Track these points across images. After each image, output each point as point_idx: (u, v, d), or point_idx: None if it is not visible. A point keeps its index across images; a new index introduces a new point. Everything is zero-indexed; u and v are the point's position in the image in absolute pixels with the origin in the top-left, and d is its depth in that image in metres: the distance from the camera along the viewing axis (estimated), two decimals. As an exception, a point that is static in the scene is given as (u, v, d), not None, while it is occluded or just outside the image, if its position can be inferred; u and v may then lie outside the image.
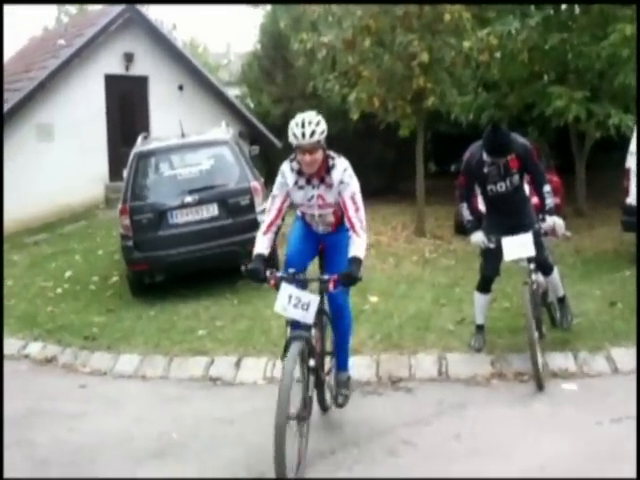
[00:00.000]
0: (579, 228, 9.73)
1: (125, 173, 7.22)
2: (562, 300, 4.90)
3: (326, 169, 3.67)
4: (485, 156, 4.43)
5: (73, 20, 17.80)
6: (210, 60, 23.59)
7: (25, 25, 36.74)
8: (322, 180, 3.69)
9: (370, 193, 14.87)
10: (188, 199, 6.72)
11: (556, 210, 10.80)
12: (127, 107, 13.28)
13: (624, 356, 4.54)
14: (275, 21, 15.24)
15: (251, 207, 6.85)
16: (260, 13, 16.80)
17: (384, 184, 15.03)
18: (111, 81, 12.95)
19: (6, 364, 5.50)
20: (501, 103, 11.49)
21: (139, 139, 7.83)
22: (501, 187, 4.53)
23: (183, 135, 7.47)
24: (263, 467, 3.46)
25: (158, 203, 6.80)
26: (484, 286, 4.74)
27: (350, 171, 3.69)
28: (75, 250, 9.19)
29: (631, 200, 7.16)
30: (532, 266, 4.47)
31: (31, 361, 5.53)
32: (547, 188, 4.49)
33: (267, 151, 13.43)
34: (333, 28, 10.33)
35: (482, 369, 4.54)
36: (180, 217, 6.75)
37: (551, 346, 4.68)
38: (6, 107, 11.49)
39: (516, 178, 4.50)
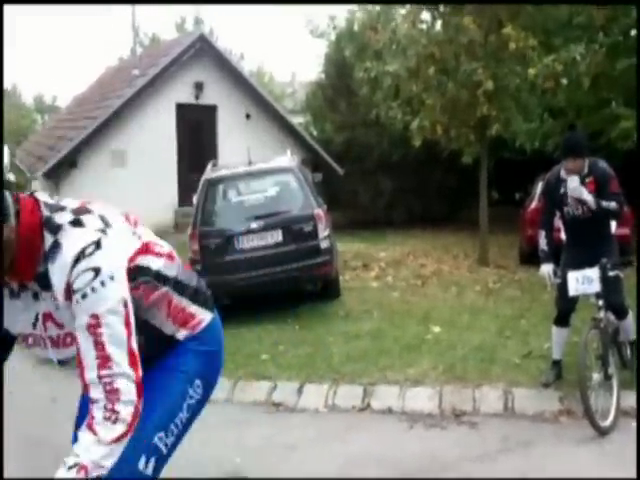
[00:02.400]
0: (651, 260, 9.38)
1: (195, 199, 7.49)
2: (634, 343, 4.72)
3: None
4: (563, 173, 4.33)
5: (147, 50, 18.69)
6: (275, 89, 24.21)
7: (102, 55, 38.83)
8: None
9: (431, 220, 14.99)
10: (254, 225, 6.90)
11: (624, 240, 10.51)
12: (196, 135, 13.80)
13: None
14: (339, 50, 15.58)
15: (314, 233, 6.97)
16: (324, 43, 17.19)
17: (445, 212, 14.98)
18: (182, 109, 13.51)
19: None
20: (567, 130, 11.29)
21: (209, 166, 8.11)
22: (578, 210, 4.33)
23: (250, 163, 7.70)
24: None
25: (226, 229, 7.01)
26: (561, 320, 4.61)
27: (97, 259, 1.67)
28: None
29: None
30: (600, 302, 4.27)
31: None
32: (613, 204, 4.23)
33: (329, 178, 13.64)
34: (398, 57, 10.47)
35: (550, 405, 4.42)
36: (246, 242, 6.93)
37: (622, 384, 4.52)
38: (84, 134, 12.21)
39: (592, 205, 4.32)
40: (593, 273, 4.20)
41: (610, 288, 4.30)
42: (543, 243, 4.47)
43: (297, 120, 15.97)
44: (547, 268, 4.40)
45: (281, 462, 3.97)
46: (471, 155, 10.40)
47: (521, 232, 10.00)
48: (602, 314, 4.26)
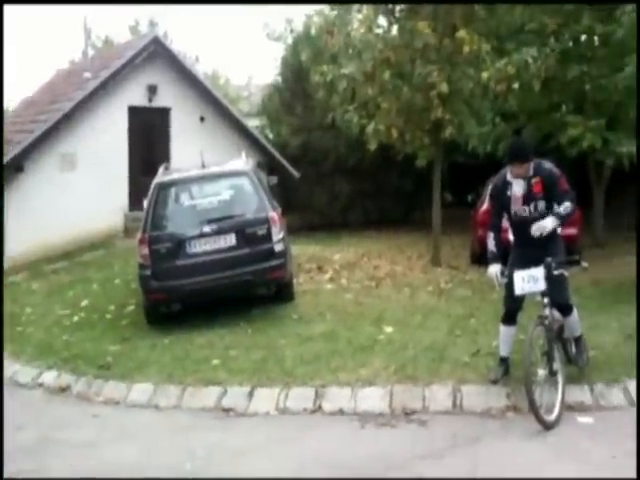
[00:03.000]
0: (596, 259, 9.59)
1: (145, 203, 7.33)
2: (578, 339, 4.78)
3: None
4: (509, 176, 4.40)
5: (99, 53, 18.31)
6: (231, 92, 24.02)
7: (52, 58, 37.87)
8: None
9: (387, 222, 15.06)
10: (206, 229, 6.80)
11: (572, 240, 10.69)
12: (149, 138, 13.56)
13: (642, 390, 4.46)
14: (296, 54, 15.56)
15: (268, 237, 6.91)
16: (281, 46, 17.17)
17: (401, 214, 15.12)
18: (134, 112, 13.25)
19: (20, 392, 5.59)
20: (519, 134, 11.51)
21: (160, 170, 7.97)
22: (524, 211, 4.43)
23: (203, 166, 7.59)
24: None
25: (177, 233, 6.89)
26: (508, 318, 4.68)
27: None
28: (93, 279, 9.31)
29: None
30: (545, 300, 4.35)
31: (45, 390, 5.58)
32: (567, 203, 4.32)
33: (285, 181, 13.59)
34: (353, 60, 10.51)
35: (497, 402, 4.48)
36: (198, 246, 6.82)
37: (567, 379, 4.61)
38: (32, 137, 11.83)
39: (541, 205, 4.40)
40: (538, 272, 4.27)
41: (555, 286, 4.37)
42: (491, 244, 4.52)
43: (253, 123, 15.85)
44: (494, 269, 4.46)
45: (231, 467, 3.91)
46: (425, 158, 10.48)
47: (472, 233, 10.14)
48: (547, 312, 4.33)
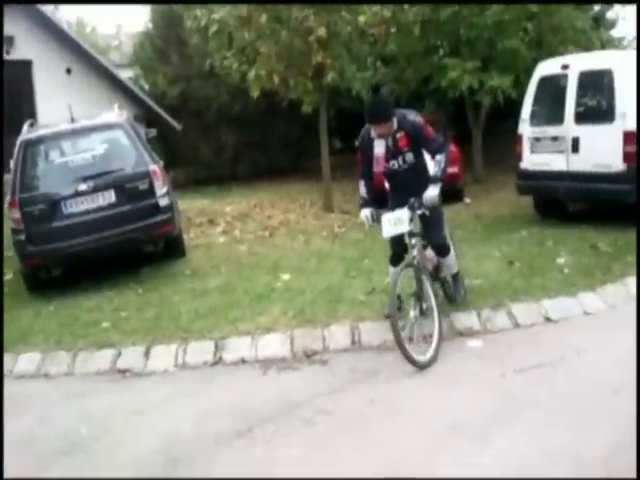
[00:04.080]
0: (478, 194, 10.16)
1: (12, 163, 6.75)
2: (455, 276, 4.82)
3: None
4: (373, 133, 4.32)
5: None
6: (100, 41, 22.49)
7: None
8: None
9: (277, 172, 15.00)
10: (82, 187, 6.37)
11: (454, 179, 11.14)
12: (10, 94, 12.40)
13: (524, 311, 4.77)
14: (166, -1, 14.72)
15: (151, 191, 6.59)
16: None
17: (290, 162, 15.05)
18: (-10, 66, 12.04)
19: None
20: (399, 77, 11.73)
21: (25, 126, 7.32)
22: (394, 165, 4.40)
23: (73, 120, 7.07)
24: (179, 453, 3.37)
25: (50, 193, 6.41)
26: (394, 260, 4.66)
27: None
28: (-39, 249, 8.52)
29: (526, 165, 7.52)
30: (413, 241, 4.35)
31: None
32: (438, 157, 4.29)
33: (165, 134, 13.03)
34: (225, 5, 10.09)
35: (392, 335, 4.61)
36: (75, 206, 6.39)
37: (454, 306, 4.84)
38: None
39: (410, 156, 4.38)
40: (403, 214, 4.24)
41: (428, 228, 4.45)
42: (362, 191, 4.49)
43: (126, 74, 14.95)
44: (365, 212, 4.44)
45: (130, 427, 3.78)
46: (310, 104, 10.41)
47: (360, 177, 10.30)
48: (415, 252, 4.33)
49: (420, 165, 4.46)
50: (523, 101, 7.72)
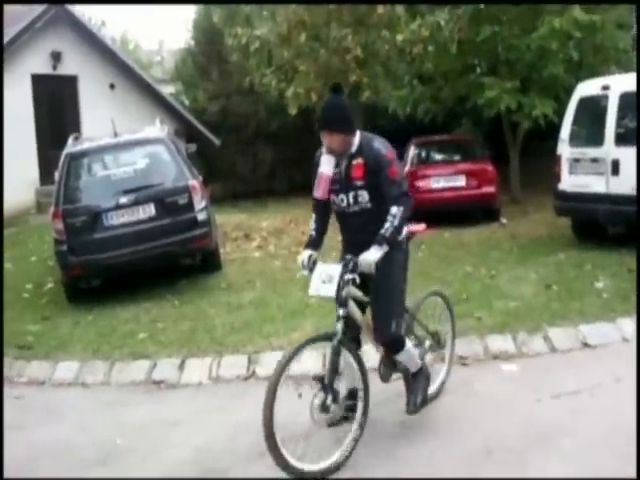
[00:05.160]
0: (514, 215, 10.05)
1: (57, 175, 6.97)
2: (416, 376, 3.58)
3: None
4: (323, 150, 3.35)
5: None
6: (142, 57, 23.08)
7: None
8: None
9: (311, 188, 15.06)
10: (123, 200, 6.53)
11: (491, 198, 11.00)
12: (56, 108, 12.84)
13: (561, 335, 4.69)
14: (208, 16, 15.09)
15: (190, 206, 6.72)
16: (192, 9, 16.60)
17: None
18: (38, 81, 12.50)
19: None
20: (436, 96, 11.74)
21: (70, 140, 7.57)
22: (342, 201, 3.35)
23: (116, 134, 7.26)
24: (212, 465, 3.41)
25: (92, 205, 6.59)
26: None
27: None
28: (6, 258, 8.78)
29: (564, 186, 7.43)
30: (340, 312, 3.20)
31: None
32: (394, 210, 3.19)
33: (204, 148, 13.28)
34: (267, 22, 10.31)
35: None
36: (116, 219, 6.55)
37: (490, 329, 4.78)
38: None
39: (364, 196, 3.29)
40: (335, 271, 3.18)
41: (374, 306, 3.36)
42: (312, 226, 3.50)
43: (167, 90, 15.32)
44: (303, 255, 3.39)
45: (164, 438, 3.83)
46: (347, 122, 10.49)
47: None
48: (338, 327, 3.20)
49: (380, 213, 3.24)
50: (562, 121, 7.64)
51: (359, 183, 3.29)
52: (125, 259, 6.47)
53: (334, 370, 3.21)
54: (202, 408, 4.20)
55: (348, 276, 3.17)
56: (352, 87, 9.81)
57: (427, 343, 3.86)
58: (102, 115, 10.90)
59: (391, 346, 3.42)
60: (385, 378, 3.66)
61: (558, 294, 5.50)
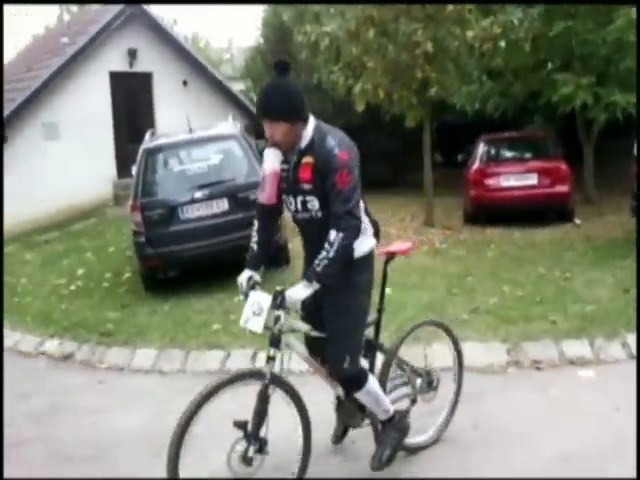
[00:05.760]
0: (589, 215, 9.75)
1: (134, 169, 7.24)
2: (386, 425, 3.10)
3: None
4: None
5: (75, 18, 17.78)
6: (212, 55, 23.59)
7: (27, 24, 36.73)
8: None
9: (375, 185, 15.06)
10: (198, 194, 6.73)
11: (564, 198, 10.72)
12: (132, 104, 13.30)
13: (640, 342, 4.55)
14: (277, 14, 15.26)
15: (261, 201, 6.84)
16: (261, 7, 16.83)
17: (391, 175, 15.10)
18: (116, 78, 12.97)
19: (24, 361, 5.56)
20: (506, 92, 11.49)
21: (147, 135, 7.85)
22: (291, 204, 2.84)
23: (191, 131, 7.48)
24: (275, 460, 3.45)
25: (169, 199, 6.81)
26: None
27: None
28: (86, 248, 9.22)
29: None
30: (271, 352, 2.75)
31: (49, 358, 5.55)
32: (332, 235, 2.62)
33: (272, 145, 13.46)
34: (336, 18, 10.33)
35: (498, 358, 4.54)
36: (191, 212, 6.76)
37: (566, 333, 4.68)
38: (12, 106, 11.53)
39: (313, 203, 2.74)
40: (265, 302, 2.70)
41: (328, 333, 2.85)
42: (253, 239, 2.95)
43: (237, 87, 15.62)
44: (243, 275, 2.90)
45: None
46: (414, 118, 10.43)
47: (465, 192, 10.18)
48: (266, 369, 2.76)
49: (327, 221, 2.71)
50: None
51: (307, 187, 2.71)
52: (199, 252, 6.67)
53: (260, 418, 2.75)
54: (273, 399, 4.29)
55: (277, 312, 2.67)
56: (420, 83, 9.74)
57: (418, 383, 3.38)
58: (175, 111, 11.29)
59: (346, 384, 2.93)
60: (348, 423, 3.17)
61: (636, 299, 5.32)
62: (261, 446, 2.78)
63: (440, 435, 3.50)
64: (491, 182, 9.63)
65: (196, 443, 2.74)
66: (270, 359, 2.76)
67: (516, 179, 9.63)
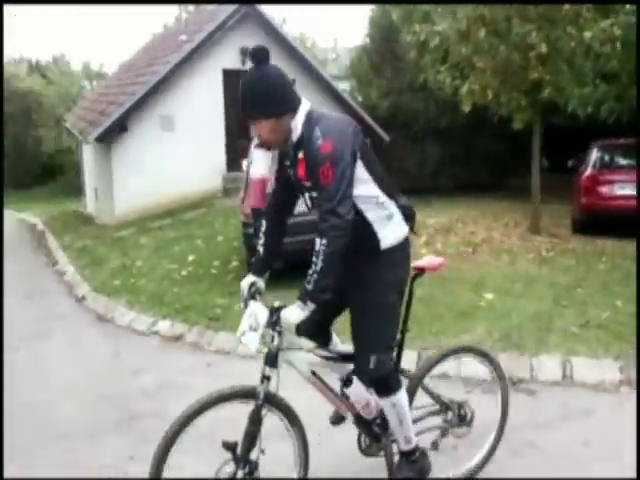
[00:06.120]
0: None
1: (245, 164, 7.52)
2: (405, 456, 2.80)
3: None
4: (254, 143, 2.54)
5: (192, 17, 18.64)
6: (318, 54, 23.95)
7: (147, 23, 38.92)
8: None
9: (478, 187, 14.79)
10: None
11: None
12: (242, 101, 13.76)
13: None
14: (385, 14, 15.28)
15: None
16: (368, 7, 16.91)
17: (493, 179, 14.77)
18: (229, 75, 13.48)
19: (138, 339, 5.96)
20: (622, 96, 10.91)
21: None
22: (303, 203, 2.74)
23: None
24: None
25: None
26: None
27: None
28: (196, 235, 9.69)
29: None
30: (266, 370, 2.58)
31: (161, 338, 5.92)
32: (317, 246, 2.44)
33: (375, 144, 13.51)
34: (447, 18, 10.23)
35: (610, 375, 4.38)
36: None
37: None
38: (133, 99, 12.31)
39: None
40: (261, 318, 2.51)
41: (352, 331, 2.67)
42: (260, 240, 2.85)
43: (341, 86, 15.79)
44: (245, 281, 2.77)
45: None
46: (522, 121, 10.15)
47: (574, 200, 9.79)
48: (260, 389, 2.55)
49: (354, 222, 2.48)
50: None
51: (307, 184, 2.55)
52: (301, 246, 6.83)
53: (251, 440, 2.54)
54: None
55: (271, 332, 2.51)
56: (531, 85, 9.46)
57: (449, 416, 3.06)
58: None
59: (378, 383, 2.66)
60: (361, 449, 2.87)
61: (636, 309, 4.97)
62: (251, 470, 2.55)
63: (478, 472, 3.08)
64: (604, 190, 9.20)
65: (180, 462, 2.56)
66: (265, 378, 2.56)
67: (632, 188, 9.15)
